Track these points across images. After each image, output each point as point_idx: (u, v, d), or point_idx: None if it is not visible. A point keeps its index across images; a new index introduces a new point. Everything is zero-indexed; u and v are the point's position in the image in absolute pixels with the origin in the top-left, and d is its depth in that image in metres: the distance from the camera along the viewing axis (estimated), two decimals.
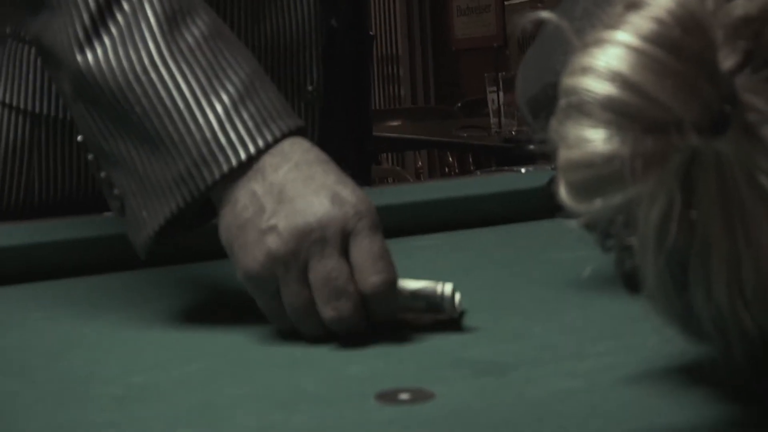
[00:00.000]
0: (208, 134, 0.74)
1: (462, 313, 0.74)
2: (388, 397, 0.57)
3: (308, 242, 0.69)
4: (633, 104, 0.44)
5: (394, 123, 4.74)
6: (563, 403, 0.55)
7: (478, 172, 1.69)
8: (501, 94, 3.68)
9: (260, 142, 0.74)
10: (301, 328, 0.71)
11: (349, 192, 0.71)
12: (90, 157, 0.83)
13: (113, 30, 0.79)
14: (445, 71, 6.28)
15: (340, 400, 0.58)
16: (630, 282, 0.51)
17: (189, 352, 0.70)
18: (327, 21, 1.14)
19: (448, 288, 0.72)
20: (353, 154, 1.26)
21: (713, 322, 0.49)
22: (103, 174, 0.82)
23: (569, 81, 0.47)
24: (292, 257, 0.69)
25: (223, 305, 0.81)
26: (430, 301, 0.72)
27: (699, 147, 0.44)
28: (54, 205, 1.10)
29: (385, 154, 5.81)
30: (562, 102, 0.47)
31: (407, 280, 0.72)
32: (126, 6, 0.80)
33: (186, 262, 0.94)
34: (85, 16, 0.80)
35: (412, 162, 5.87)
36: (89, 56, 0.79)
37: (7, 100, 1.11)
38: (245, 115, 0.75)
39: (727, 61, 0.45)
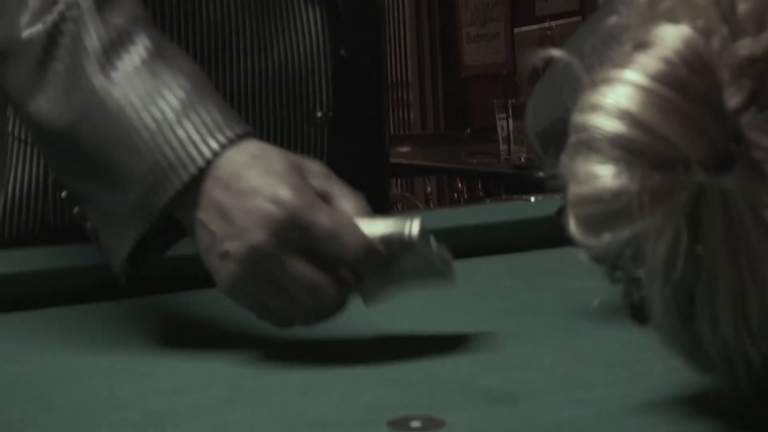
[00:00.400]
0: (150, 161, 0.77)
1: (443, 260, 0.74)
2: (399, 424, 0.58)
3: (263, 259, 0.71)
4: (641, 141, 0.46)
5: (404, 149, 4.75)
6: (572, 431, 0.56)
7: (488, 200, 1.70)
8: (510, 120, 3.69)
9: (199, 161, 0.76)
10: (295, 324, 0.74)
11: (278, 188, 0.72)
12: (63, 194, 0.86)
13: (58, 70, 0.83)
14: (455, 97, 6.30)
15: (353, 427, 0.59)
16: (637, 313, 0.53)
17: (204, 378, 0.71)
18: (335, 50, 1.16)
19: (415, 228, 0.72)
20: (367, 179, 1.27)
21: (719, 354, 0.50)
22: (76, 209, 0.85)
23: (579, 118, 0.48)
24: (253, 277, 0.72)
25: (237, 330, 0.82)
26: (403, 244, 0.72)
27: (705, 184, 0.46)
28: (70, 231, 1.11)
29: (394, 180, 5.83)
30: (572, 138, 0.49)
31: (374, 223, 0.72)
32: (67, 42, 0.83)
33: (199, 288, 0.96)
34: (33, 62, 0.84)
35: (422, 188, 5.88)
36: (39, 102, 0.84)
37: (23, 136, 1.13)
38: (182, 136, 0.77)
39: (733, 100, 0.47)
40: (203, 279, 0.96)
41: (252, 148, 0.77)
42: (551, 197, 1.23)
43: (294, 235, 0.71)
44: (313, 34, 1.12)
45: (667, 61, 0.47)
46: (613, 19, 0.54)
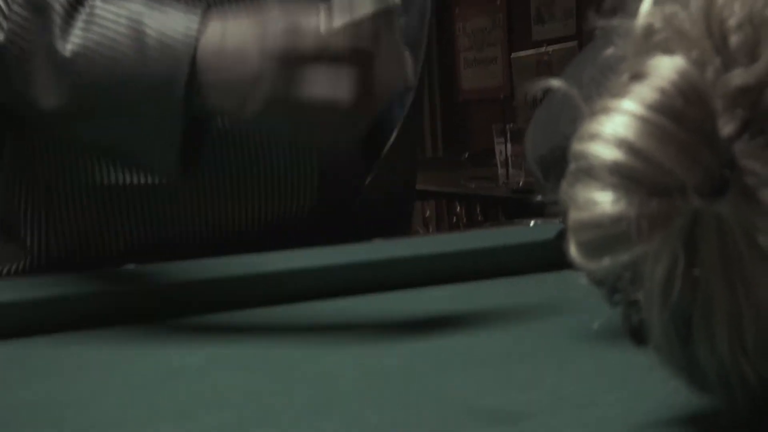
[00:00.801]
0: (149, 77, 0.88)
1: None
2: None
3: (283, 91, 0.83)
4: (638, 169, 0.48)
5: None
6: None
7: (487, 224, 1.72)
8: (509, 145, 3.72)
9: (187, 54, 0.87)
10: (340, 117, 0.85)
11: (260, 45, 0.84)
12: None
13: (37, 60, 0.94)
14: (453, 122, 6.33)
15: None
16: (637, 335, 0.54)
17: (215, 400, 0.72)
18: None
19: None
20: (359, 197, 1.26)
21: (716, 374, 0.51)
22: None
23: (578, 146, 0.50)
24: (283, 110, 0.84)
25: (246, 354, 0.84)
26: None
27: (701, 209, 0.47)
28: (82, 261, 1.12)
29: None
30: (572, 166, 0.50)
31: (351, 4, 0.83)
32: (35, 30, 0.94)
33: (208, 312, 0.97)
34: (16, 64, 0.94)
35: (420, 212, 5.90)
36: (38, 95, 0.93)
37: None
38: (161, 41, 0.89)
39: (726, 128, 0.48)
40: (211, 303, 0.98)
41: (214, 25, 0.88)
42: (550, 221, 1.25)
43: (296, 67, 0.82)
44: None
45: (662, 92, 0.48)
46: (609, 50, 0.56)
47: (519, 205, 3.11)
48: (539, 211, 1.31)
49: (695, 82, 0.49)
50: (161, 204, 1.10)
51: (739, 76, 0.49)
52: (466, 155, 5.16)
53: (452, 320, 0.94)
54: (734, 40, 0.50)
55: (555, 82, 0.56)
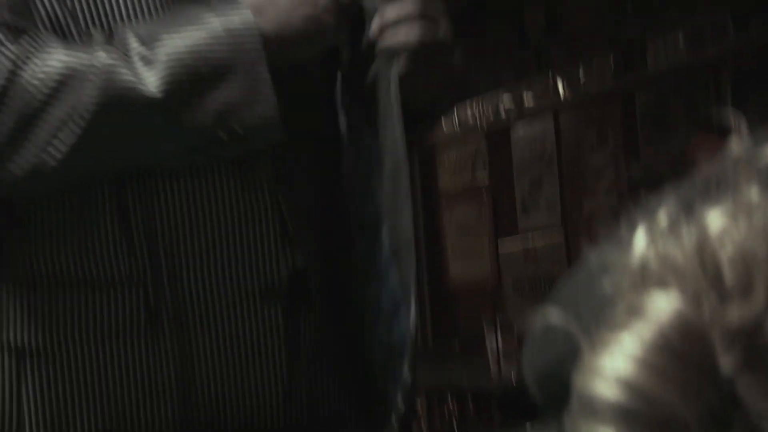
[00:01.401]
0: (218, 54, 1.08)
1: None
2: None
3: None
4: (640, 409, 0.48)
5: None
6: None
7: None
8: (499, 336, 3.71)
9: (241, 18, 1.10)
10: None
11: None
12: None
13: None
14: (442, 312, 6.34)
15: None
16: None
17: None
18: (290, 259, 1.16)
19: None
20: (334, 369, 1.24)
21: None
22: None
23: (580, 384, 0.50)
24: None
25: None
26: None
27: None
28: None
29: None
30: (575, 404, 0.51)
31: None
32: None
33: None
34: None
35: None
36: (145, 82, 1.08)
37: None
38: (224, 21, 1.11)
39: (726, 364, 0.49)
40: None
41: None
42: (546, 425, 1.23)
43: None
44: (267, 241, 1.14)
45: (660, 330, 0.49)
46: (606, 280, 0.56)
47: (512, 401, 3.08)
48: (533, 412, 1.30)
49: (692, 319, 0.49)
50: (133, 386, 1.08)
51: (735, 313, 0.49)
52: (456, 345, 5.14)
53: None
54: (728, 275, 0.50)
55: (552, 312, 0.57)
